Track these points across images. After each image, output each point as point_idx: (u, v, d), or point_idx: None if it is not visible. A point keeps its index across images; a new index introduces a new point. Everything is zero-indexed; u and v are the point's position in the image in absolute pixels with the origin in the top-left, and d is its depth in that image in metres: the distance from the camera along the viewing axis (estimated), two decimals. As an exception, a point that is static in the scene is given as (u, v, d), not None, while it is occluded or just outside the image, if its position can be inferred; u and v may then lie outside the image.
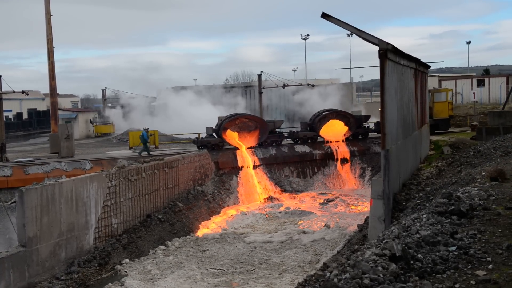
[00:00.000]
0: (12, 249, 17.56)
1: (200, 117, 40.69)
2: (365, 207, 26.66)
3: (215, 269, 19.47)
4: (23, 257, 17.36)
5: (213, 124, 32.99)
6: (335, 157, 34.18)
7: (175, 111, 45.54)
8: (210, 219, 26.86)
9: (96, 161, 28.46)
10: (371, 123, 37.39)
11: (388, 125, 15.98)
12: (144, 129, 31.35)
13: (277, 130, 34.37)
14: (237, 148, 32.35)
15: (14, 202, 23.37)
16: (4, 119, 33.36)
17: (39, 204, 17.99)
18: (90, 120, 54.43)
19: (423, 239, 8.30)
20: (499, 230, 8.95)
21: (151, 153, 30.68)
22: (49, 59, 33.04)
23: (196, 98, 49.15)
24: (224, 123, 32.17)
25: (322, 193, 31.68)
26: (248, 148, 32.62)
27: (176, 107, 46.18)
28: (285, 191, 32.08)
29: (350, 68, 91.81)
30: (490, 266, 7.35)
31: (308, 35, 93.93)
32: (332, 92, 49.97)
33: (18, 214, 18.22)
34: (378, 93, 19.53)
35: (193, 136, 35.61)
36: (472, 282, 6.84)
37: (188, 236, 24.00)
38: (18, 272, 17.09)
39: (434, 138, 33.37)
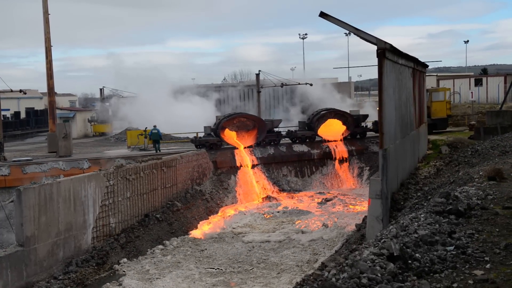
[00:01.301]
0: (10, 249, 17.54)
1: (189, 116, 40.62)
2: (363, 207, 26.67)
3: (213, 268, 19.47)
4: (21, 256, 17.33)
5: (198, 123, 33.02)
6: (333, 156, 34.19)
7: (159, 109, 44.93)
8: (208, 218, 26.86)
9: (94, 160, 28.40)
10: (369, 122, 37.39)
11: (386, 124, 15.97)
12: (154, 126, 31.40)
13: (275, 129, 34.37)
14: (235, 148, 32.35)
15: (12, 201, 23.33)
16: (2, 118, 33.26)
17: (37, 204, 17.96)
18: (88, 119, 54.37)
19: (421, 239, 8.31)
20: (497, 230, 8.95)
21: (146, 150, 30.70)
22: (47, 58, 32.96)
23: (185, 97, 48.87)
24: (222, 123, 32.15)
25: (320, 193, 31.68)
26: (246, 147, 32.61)
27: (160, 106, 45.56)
28: (283, 190, 32.08)
29: (348, 67, 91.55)
30: (488, 266, 7.35)
31: (306, 34, 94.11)
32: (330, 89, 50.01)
33: (16, 213, 18.21)
34: (376, 92, 19.55)
35: (191, 135, 35.59)
36: (470, 281, 6.84)
37: (186, 236, 23.99)
38: (16, 271, 17.06)
39: (432, 137, 33.40)
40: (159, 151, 30.71)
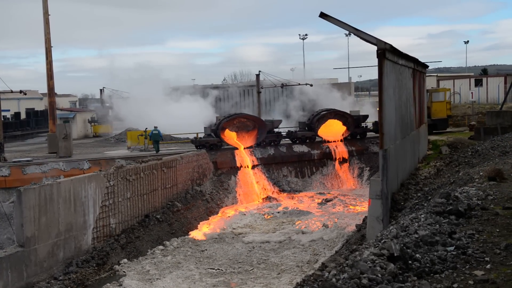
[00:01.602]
0: (10, 249, 17.54)
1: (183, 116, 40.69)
2: (363, 207, 26.67)
3: (214, 269, 19.47)
4: (21, 257, 17.34)
5: (198, 123, 33.01)
6: (334, 157, 34.18)
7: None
8: (208, 219, 26.87)
9: (94, 161, 28.41)
10: (369, 122, 37.40)
11: (386, 124, 15.97)
12: (154, 127, 31.44)
13: (275, 129, 34.37)
14: (236, 148, 32.34)
15: (12, 202, 23.34)
16: (2, 119, 33.27)
17: (37, 204, 17.96)
18: (88, 119, 54.38)
19: (421, 239, 8.31)
20: (497, 230, 8.95)
21: (146, 151, 30.72)
22: (47, 58, 32.94)
23: (184, 98, 48.84)
24: (223, 123, 32.15)
25: (320, 193, 31.67)
26: (246, 148, 32.61)
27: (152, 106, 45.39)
28: (283, 191, 32.08)
29: (348, 67, 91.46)
30: (488, 266, 7.35)
31: (306, 34, 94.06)
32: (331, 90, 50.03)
33: (16, 214, 18.21)
34: (376, 92, 19.57)
35: (191, 136, 35.59)
36: (470, 282, 6.84)
37: (186, 236, 23.99)
38: (16, 272, 17.07)
39: (432, 138, 33.40)
40: (158, 151, 30.70)
